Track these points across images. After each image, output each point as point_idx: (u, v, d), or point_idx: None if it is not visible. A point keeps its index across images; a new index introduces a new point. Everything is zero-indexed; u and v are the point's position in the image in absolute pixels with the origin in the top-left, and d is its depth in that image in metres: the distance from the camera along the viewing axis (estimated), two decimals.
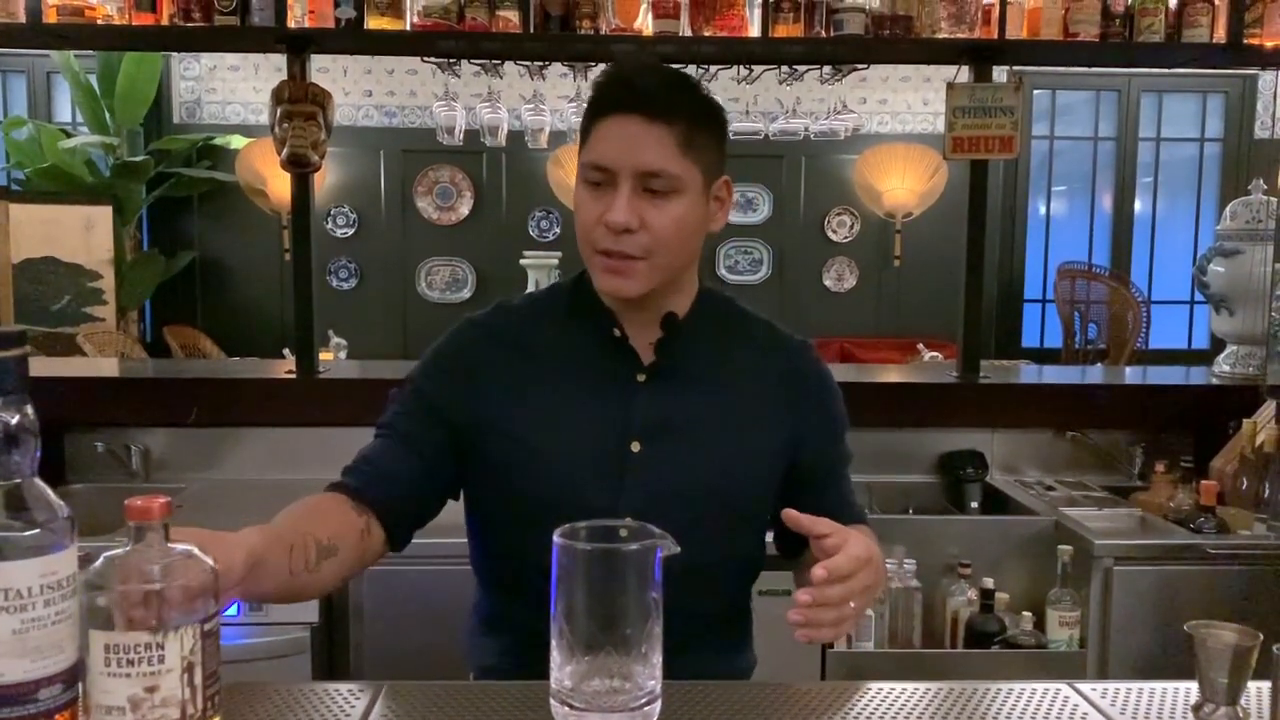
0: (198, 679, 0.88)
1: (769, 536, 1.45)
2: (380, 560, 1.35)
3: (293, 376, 2.96)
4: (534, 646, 1.17)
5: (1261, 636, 1.05)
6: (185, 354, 5.75)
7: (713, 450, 1.34)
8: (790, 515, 1.14)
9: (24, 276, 5.32)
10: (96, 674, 0.86)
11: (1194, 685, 1.09)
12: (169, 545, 0.89)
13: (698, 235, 1.34)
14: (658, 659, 1.01)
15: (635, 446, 1.32)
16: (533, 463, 1.32)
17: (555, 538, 1.00)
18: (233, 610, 2.19)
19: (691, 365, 1.37)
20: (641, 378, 1.36)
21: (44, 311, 5.36)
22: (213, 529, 1.01)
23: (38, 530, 0.85)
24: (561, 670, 1.00)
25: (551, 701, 1.01)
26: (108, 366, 3.70)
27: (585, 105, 1.33)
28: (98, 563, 0.88)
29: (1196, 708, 1.08)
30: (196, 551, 0.91)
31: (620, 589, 0.97)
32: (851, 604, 1.11)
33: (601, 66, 1.83)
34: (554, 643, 1.00)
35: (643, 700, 1.00)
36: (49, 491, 0.87)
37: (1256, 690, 1.11)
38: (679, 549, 1.01)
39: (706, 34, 2.80)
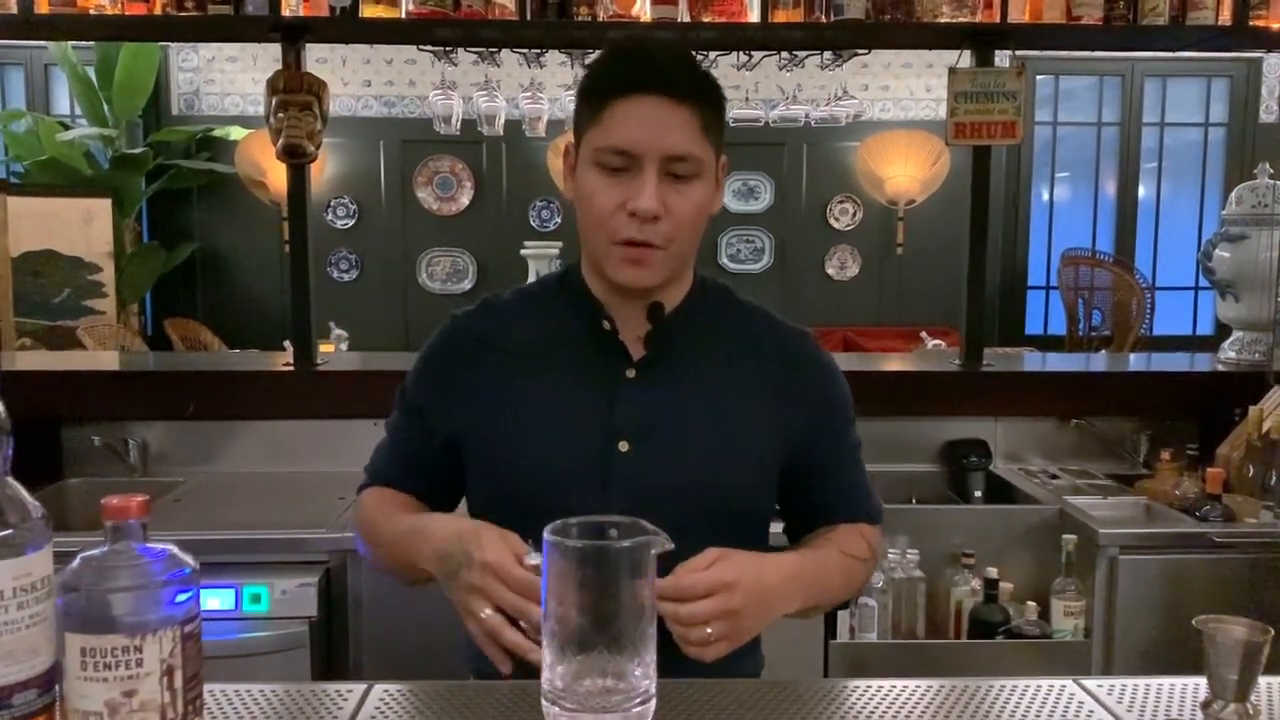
0: (178, 682, 0.86)
1: (776, 528, 1.42)
2: None
3: (290, 369, 2.94)
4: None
5: (1272, 631, 1.02)
6: (186, 347, 5.73)
7: (703, 448, 1.29)
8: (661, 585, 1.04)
9: (23, 270, 5.30)
10: (73, 678, 0.84)
11: (1202, 681, 1.07)
12: (148, 545, 0.87)
13: (707, 219, 1.31)
14: (651, 658, 0.98)
15: (623, 446, 1.27)
16: (518, 464, 1.29)
17: (545, 534, 0.97)
18: (230, 604, 2.17)
19: (683, 358, 1.33)
20: (631, 373, 1.31)
21: (44, 305, 5.34)
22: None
23: (10, 531, 0.83)
24: (553, 670, 0.97)
25: (543, 702, 0.99)
26: (104, 360, 3.68)
27: (592, 81, 1.26)
28: (74, 563, 0.86)
29: (1205, 704, 1.06)
30: (175, 551, 0.88)
31: (613, 587, 0.95)
32: (709, 628, 1.06)
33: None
34: (545, 641, 0.98)
35: (636, 701, 0.98)
36: (22, 491, 0.85)
37: (1266, 686, 1.08)
38: (673, 546, 0.98)
39: (705, 20, 2.77)
